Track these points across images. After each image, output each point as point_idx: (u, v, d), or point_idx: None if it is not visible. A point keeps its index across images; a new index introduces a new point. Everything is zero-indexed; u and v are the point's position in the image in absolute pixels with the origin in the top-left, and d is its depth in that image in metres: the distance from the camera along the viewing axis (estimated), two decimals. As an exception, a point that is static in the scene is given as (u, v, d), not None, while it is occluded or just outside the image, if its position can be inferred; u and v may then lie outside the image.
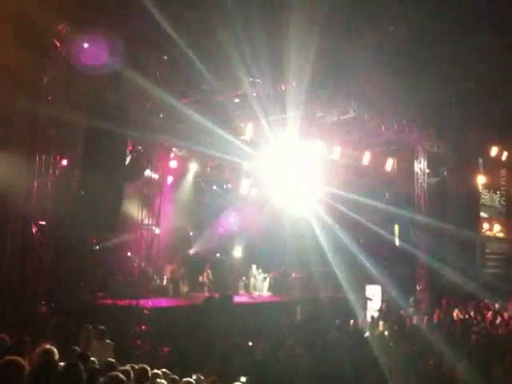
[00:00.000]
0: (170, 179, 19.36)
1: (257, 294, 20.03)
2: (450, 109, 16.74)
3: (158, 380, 6.21)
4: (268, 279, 20.83)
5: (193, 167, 20.35)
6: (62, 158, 13.94)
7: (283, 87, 14.58)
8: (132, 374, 6.12)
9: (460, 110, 17.03)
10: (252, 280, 20.34)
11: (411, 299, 19.65)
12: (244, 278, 20.70)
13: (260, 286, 20.43)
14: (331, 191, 21.91)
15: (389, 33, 12.06)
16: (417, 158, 20.62)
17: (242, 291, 20.21)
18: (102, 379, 4.96)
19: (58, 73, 12.34)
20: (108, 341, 8.73)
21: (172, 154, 18.68)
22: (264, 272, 20.88)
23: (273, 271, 21.44)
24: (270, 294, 20.48)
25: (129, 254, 16.54)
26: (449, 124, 18.07)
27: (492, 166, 23.88)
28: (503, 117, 18.85)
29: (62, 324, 10.48)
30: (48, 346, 5.58)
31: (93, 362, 6.25)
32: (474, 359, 8.10)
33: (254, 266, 20.57)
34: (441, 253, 21.54)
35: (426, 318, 14.85)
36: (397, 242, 23.99)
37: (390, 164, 20.52)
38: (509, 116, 18.78)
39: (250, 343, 10.50)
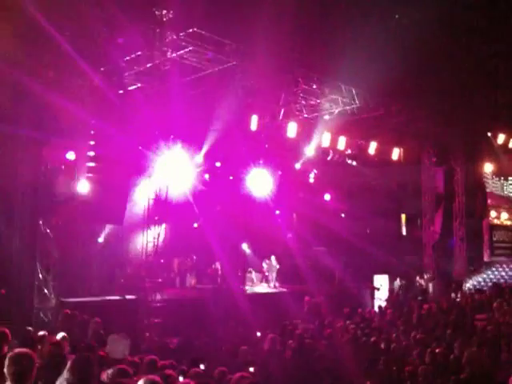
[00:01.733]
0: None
1: (271, 285, 20.02)
2: (457, 96, 16.61)
3: (167, 371, 6.25)
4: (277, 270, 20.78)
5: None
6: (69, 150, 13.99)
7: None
8: (141, 366, 6.19)
9: (467, 98, 16.91)
10: (267, 271, 20.30)
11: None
12: (250, 269, 20.74)
13: (274, 277, 20.37)
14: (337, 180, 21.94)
15: (394, 19, 11.97)
16: (424, 147, 20.56)
17: (252, 283, 20.29)
18: (109, 371, 5.00)
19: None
20: (123, 335, 8.79)
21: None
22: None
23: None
24: (280, 284, 20.42)
25: (137, 246, 16.59)
26: (455, 112, 17.93)
27: (499, 154, 23.77)
28: (510, 104, 18.74)
29: (71, 317, 10.55)
30: (57, 339, 5.63)
31: (102, 353, 6.29)
32: (482, 347, 8.11)
33: (273, 257, 20.50)
34: (447, 241, 21.55)
35: (433, 305, 14.86)
36: (404, 232, 24.00)
37: (396, 153, 20.46)
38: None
39: (259, 334, 10.55)
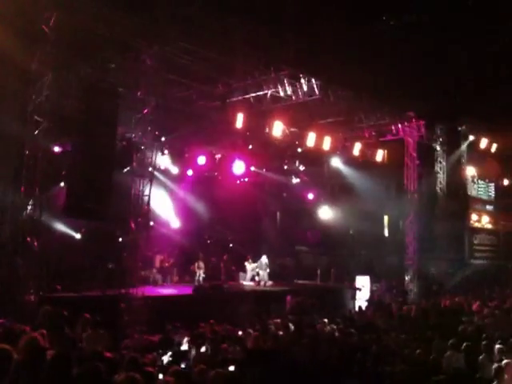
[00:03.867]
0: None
1: (262, 283, 19.87)
2: (441, 100, 16.78)
3: (147, 368, 6.22)
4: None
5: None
6: (52, 144, 13.86)
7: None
8: (121, 363, 6.15)
9: (450, 101, 17.09)
10: (258, 269, 20.18)
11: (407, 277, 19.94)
12: (233, 267, 20.75)
13: (266, 275, 20.18)
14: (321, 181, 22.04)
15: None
16: (407, 149, 20.70)
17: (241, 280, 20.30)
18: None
19: (47, 59, 12.17)
20: (101, 330, 8.76)
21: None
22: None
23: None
24: (271, 282, 20.17)
25: (120, 240, 16.47)
26: (438, 115, 18.13)
27: (481, 158, 24.02)
28: (493, 109, 18.97)
29: (52, 313, 10.43)
30: (35, 334, 5.56)
31: (81, 349, 6.24)
32: (461, 348, 8.18)
33: (263, 256, 20.30)
34: (429, 244, 21.72)
35: (413, 307, 14.96)
36: (386, 233, 24.16)
37: (380, 155, 20.61)
38: (499, 109, 18.90)
39: (240, 332, 10.54)
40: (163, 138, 17.76)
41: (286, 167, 22.73)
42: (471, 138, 22.90)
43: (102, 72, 13.00)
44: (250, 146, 19.93)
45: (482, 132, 22.43)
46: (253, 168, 21.30)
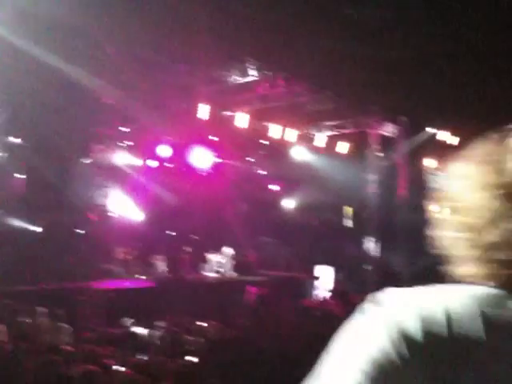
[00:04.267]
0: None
1: (226, 274, 19.69)
2: (399, 92, 16.99)
3: (107, 361, 6.17)
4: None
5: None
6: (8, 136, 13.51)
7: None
8: (80, 356, 6.07)
9: (413, 94, 17.32)
10: (221, 260, 20.08)
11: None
12: (196, 259, 20.64)
13: (228, 266, 20.06)
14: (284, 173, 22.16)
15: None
16: (368, 142, 20.97)
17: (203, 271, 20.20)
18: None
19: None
20: (60, 323, 8.69)
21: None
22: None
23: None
24: (234, 274, 20.05)
25: (76, 231, 16.19)
26: (401, 108, 18.40)
27: (442, 151, 24.48)
28: (455, 101, 19.30)
29: (10, 307, 10.23)
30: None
31: (38, 342, 6.14)
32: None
33: (227, 248, 20.19)
34: (391, 234, 22.10)
35: (371, 295, 15.20)
36: (349, 224, 24.49)
37: (343, 147, 20.82)
38: (461, 100, 19.24)
39: (201, 323, 10.53)
40: (125, 129, 17.54)
41: (249, 158, 22.74)
42: (433, 131, 23.34)
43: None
44: (213, 137, 19.84)
45: (443, 125, 22.86)
46: (216, 159, 21.22)
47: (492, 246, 1.26)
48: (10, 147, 13.91)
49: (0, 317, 9.28)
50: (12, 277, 13.50)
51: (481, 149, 1.46)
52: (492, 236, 1.27)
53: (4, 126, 12.11)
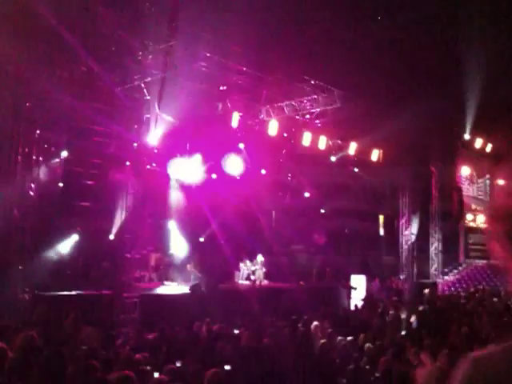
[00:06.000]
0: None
1: (258, 282, 19.70)
2: (435, 99, 16.80)
3: (142, 367, 6.24)
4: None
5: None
6: (48, 143, 13.87)
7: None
8: (116, 361, 6.16)
9: (445, 100, 17.11)
10: (254, 268, 20.12)
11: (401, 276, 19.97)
12: (229, 267, 20.70)
13: (262, 274, 20.05)
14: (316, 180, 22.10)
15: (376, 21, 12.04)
16: (402, 149, 20.77)
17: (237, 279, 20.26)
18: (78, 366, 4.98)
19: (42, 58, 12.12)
20: (95, 328, 8.85)
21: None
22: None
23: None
24: (267, 281, 20.03)
25: (111, 237, 16.46)
26: (433, 114, 18.16)
27: (476, 158, 24.12)
28: (488, 109, 19.01)
29: (48, 311, 10.46)
30: (30, 333, 5.58)
31: (75, 347, 6.25)
32: (456, 348, 8.22)
33: (259, 256, 20.21)
34: (424, 243, 21.81)
35: (408, 306, 15.02)
36: (381, 232, 24.25)
37: (375, 155, 20.64)
38: (493, 108, 18.96)
39: (236, 331, 10.55)
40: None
41: (281, 166, 22.75)
42: (466, 137, 22.99)
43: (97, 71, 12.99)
44: (245, 145, 19.89)
45: (476, 132, 22.51)
46: (248, 167, 21.30)
47: None
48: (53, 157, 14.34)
49: (39, 321, 9.52)
50: (51, 283, 13.81)
51: None
52: None
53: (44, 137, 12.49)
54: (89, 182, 14.45)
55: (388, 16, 11.87)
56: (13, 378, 4.56)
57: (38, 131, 12.63)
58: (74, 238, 16.48)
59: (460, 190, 24.21)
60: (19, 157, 12.29)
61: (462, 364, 1.40)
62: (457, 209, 23.82)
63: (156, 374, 6.23)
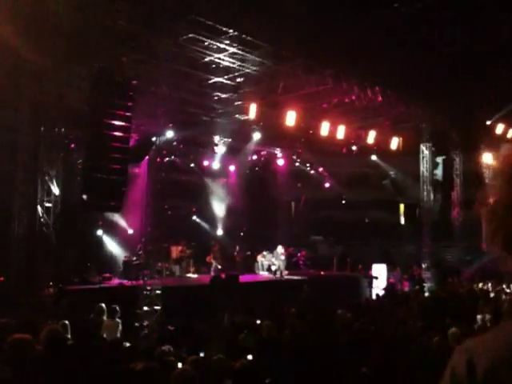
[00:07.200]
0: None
1: (278, 273, 19.65)
2: (454, 85, 16.55)
3: (166, 358, 6.31)
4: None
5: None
6: (68, 139, 14.04)
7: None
8: (140, 352, 6.24)
9: (463, 88, 16.84)
10: (274, 259, 20.13)
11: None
12: (260, 256, 20.72)
13: (283, 265, 19.99)
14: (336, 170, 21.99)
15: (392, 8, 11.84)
16: (422, 136, 20.54)
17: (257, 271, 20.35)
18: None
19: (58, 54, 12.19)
20: (117, 319, 8.97)
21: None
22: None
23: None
24: (287, 272, 20.00)
25: (130, 232, 16.64)
26: (453, 100, 17.91)
27: (497, 144, 23.69)
28: (509, 94, 18.67)
29: (74, 305, 10.64)
30: (55, 326, 5.67)
31: (101, 339, 6.35)
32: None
33: (279, 247, 20.12)
34: (446, 231, 21.58)
35: (430, 295, 14.94)
36: (402, 221, 24.04)
37: (395, 143, 20.42)
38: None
39: (258, 321, 10.59)
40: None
41: (299, 156, 22.71)
42: (487, 123, 22.59)
43: (115, 66, 13.02)
44: (262, 136, 19.83)
45: (498, 117, 22.12)
46: (267, 157, 21.32)
47: None
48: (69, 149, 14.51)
49: (64, 314, 9.68)
50: (74, 275, 14.03)
51: None
52: None
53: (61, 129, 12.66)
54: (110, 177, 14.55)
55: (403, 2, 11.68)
56: (39, 371, 4.65)
57: (57, 128, 12.76)
58: (97, 232, 16.71)
59: (482, 177, 23.84)
60: (41, 153, 12.46)
61: (456, 354, 1.38)
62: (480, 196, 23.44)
63: (179, 365, 6.29)
